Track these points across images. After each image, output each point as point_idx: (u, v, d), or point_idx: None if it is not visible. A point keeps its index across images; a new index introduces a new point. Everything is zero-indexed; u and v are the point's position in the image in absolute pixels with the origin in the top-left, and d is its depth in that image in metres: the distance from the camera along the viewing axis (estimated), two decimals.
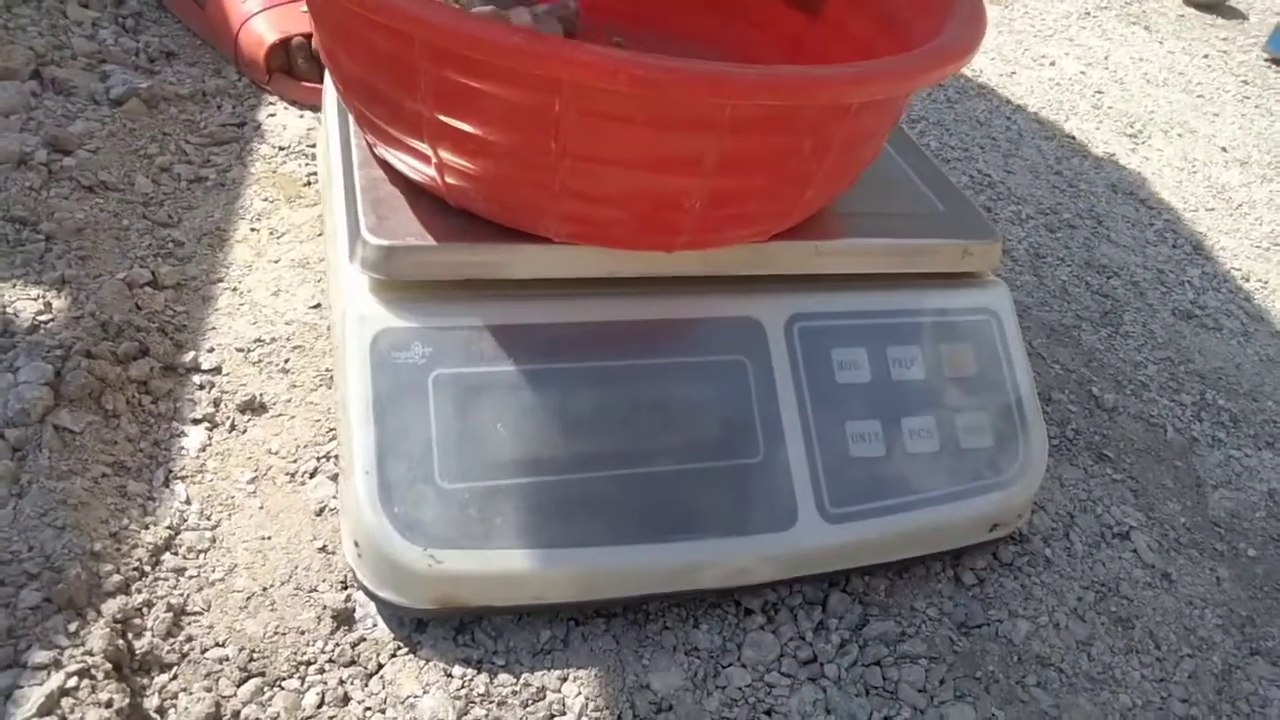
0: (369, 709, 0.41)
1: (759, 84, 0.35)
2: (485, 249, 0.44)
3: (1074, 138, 0.98)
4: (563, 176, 0.40)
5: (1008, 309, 0.53)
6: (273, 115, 0.74)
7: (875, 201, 0.52)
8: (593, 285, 0.47)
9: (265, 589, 0.44)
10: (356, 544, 0.42)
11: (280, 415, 0.52)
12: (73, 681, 0.36)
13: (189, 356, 0.53)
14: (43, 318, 0.51)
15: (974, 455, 0.50)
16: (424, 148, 0.41)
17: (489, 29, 0.34)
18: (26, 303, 0.51)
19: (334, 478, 0.49)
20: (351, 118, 0.47)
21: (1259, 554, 0.58)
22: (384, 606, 0.44)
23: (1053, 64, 1.12)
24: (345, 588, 0.45)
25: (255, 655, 0.42)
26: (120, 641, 0.39)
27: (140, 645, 0.40)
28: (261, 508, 0.47)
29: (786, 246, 0.49)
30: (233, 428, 0.51)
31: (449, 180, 0.42)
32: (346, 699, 0.41)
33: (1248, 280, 0.82)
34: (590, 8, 0.58)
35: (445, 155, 0.41)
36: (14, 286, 0.53)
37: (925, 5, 0.50)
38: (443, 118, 0.39)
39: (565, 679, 0.43)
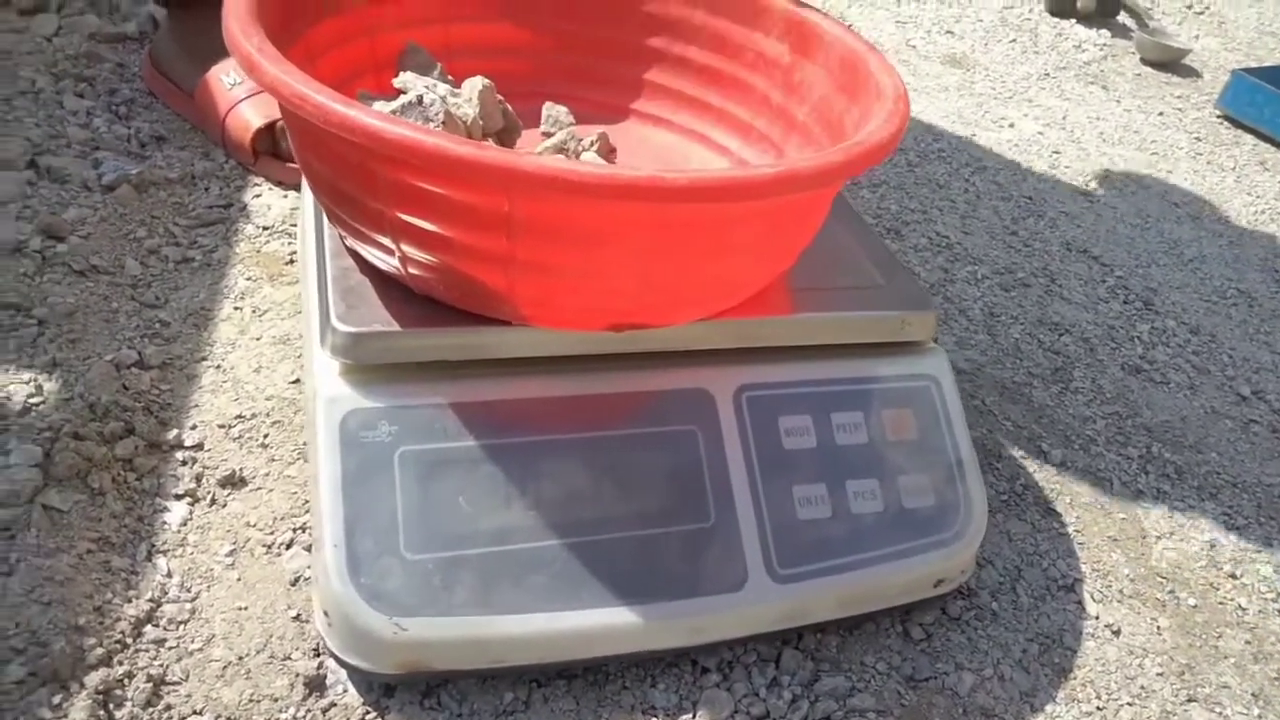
0: None
1: (687, 189, 0.39)
2: (448, 333, 0.47)
3: (1030, 198, 1.02)
4: (516, 268, 0.43)
5: (946, 374, 0.56)
6: (258, 195, 0.77)
7: (818, 276, 0.56)
8: (550, 363, 0.50)
9: (241, 658, 0.47)
10: (326, 614, 0.45)
11: (259, 489, 0.55)
12: None
13: (173, 434, 0.56)
14: (34, 400, 0.54)
15: (916, 515, 0.53)
16: (387, 242, 0.45)
17: (439, 143, 0.37)
18: (19, 386, 0.55)
19: (309, 548, 0.52)
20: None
21: (1199, 602, 0.60)
22: (353, 673, 0.46)
23: (1012, 125, 1.17)
24: (317, 655, 0.48)
25: None
26: (102, 713, 0.42)
27: (121, 715, 0.43)
28: (239, 579, 0.50)
29: (734, 323, 0.52)
30: (213, 502, 0.53)
31: (412, 271, 0.46)
32: None
33: (1196, 334, 0.86)
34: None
35: (407, 249, 0.44)
36: (6, 371, 0.56)
37: (856, 96, 0.54)
38: (403, 216, 0.43)
39: None
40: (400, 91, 0.55)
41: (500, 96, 0.58)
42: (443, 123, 0.51)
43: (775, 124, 0.61)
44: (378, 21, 0.59)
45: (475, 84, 0.56)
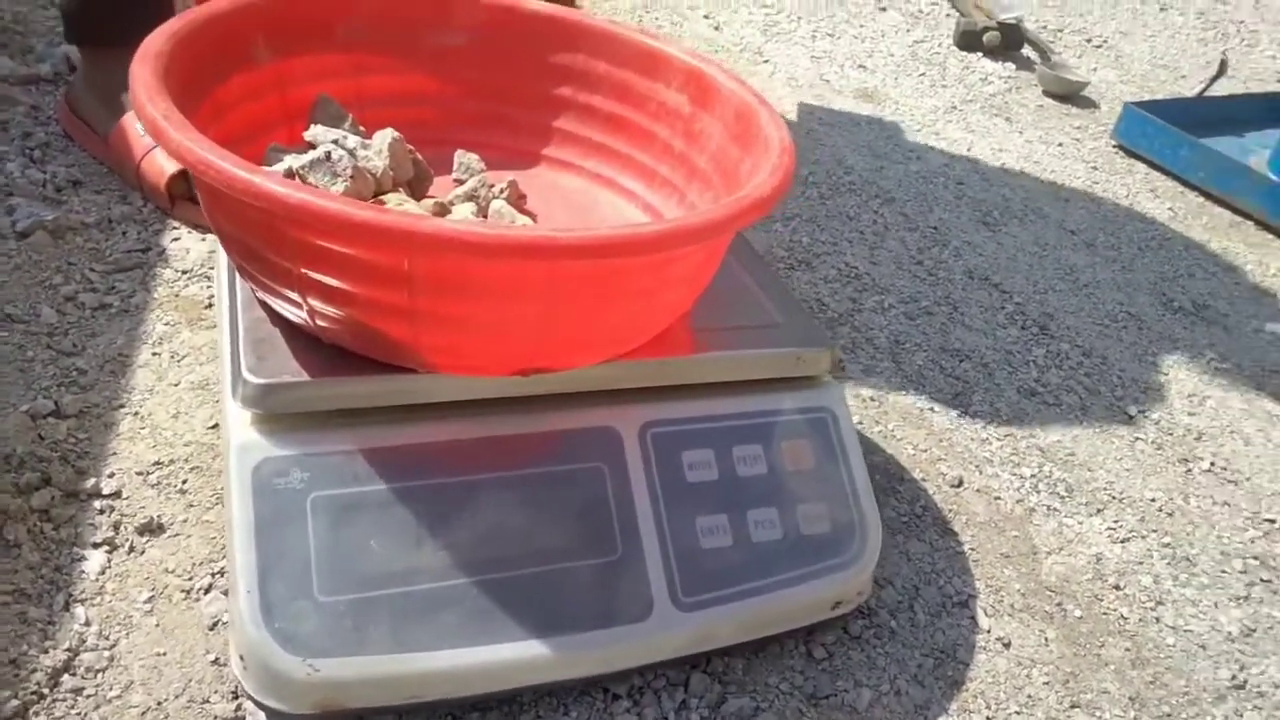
0: None
1: (578, 247, 0.41)
2: (356, 382, 0.49)
3: (936, 228, 1.07)
4: (420, 320, 0.45)
5: (841, 406, 0.60)
6: (176, 239, 0.78)
7: (718, 315, 0.59)
8: (458, 407, 0.52)
9: (160, 703, 0.48)
10: (242, 657, 0.46)
11: (177, 535, 0.56)
12: None
13: (90, 483, 0.56)
14: None
15: (814, 541, 0.56)
16: (295, 297, 0.46)
17: (340, 207, 0.39)
18: None
19: (226, 593, 0.53)
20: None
21: (1084, 613, 0.64)
22: (271, 714, 0.48)
23: (919, 157, 1.22)
24: (236, 697, 0.49)
25: None
26: None
27: None
28: (158, 625, 0.51)
29: (638, 364, 0.55)
30: (131, 549, 0.54)
31: (320, 323, 0.48)
32: None
33: (1088, 356, 0.91)
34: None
35: (314, 303, 0.46)
36: None
37: (749, 147, 0.57)
38: (309, 273, 0.44)
39: None
40: (311, 145, 0.57)
41: (411, 146, 0.60)
42: (351, 177, 0.53)
43: (678, 170, 0.64)
44: (289, 75, 0.61)
45: (385, 136, 0.58)
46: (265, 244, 0.45)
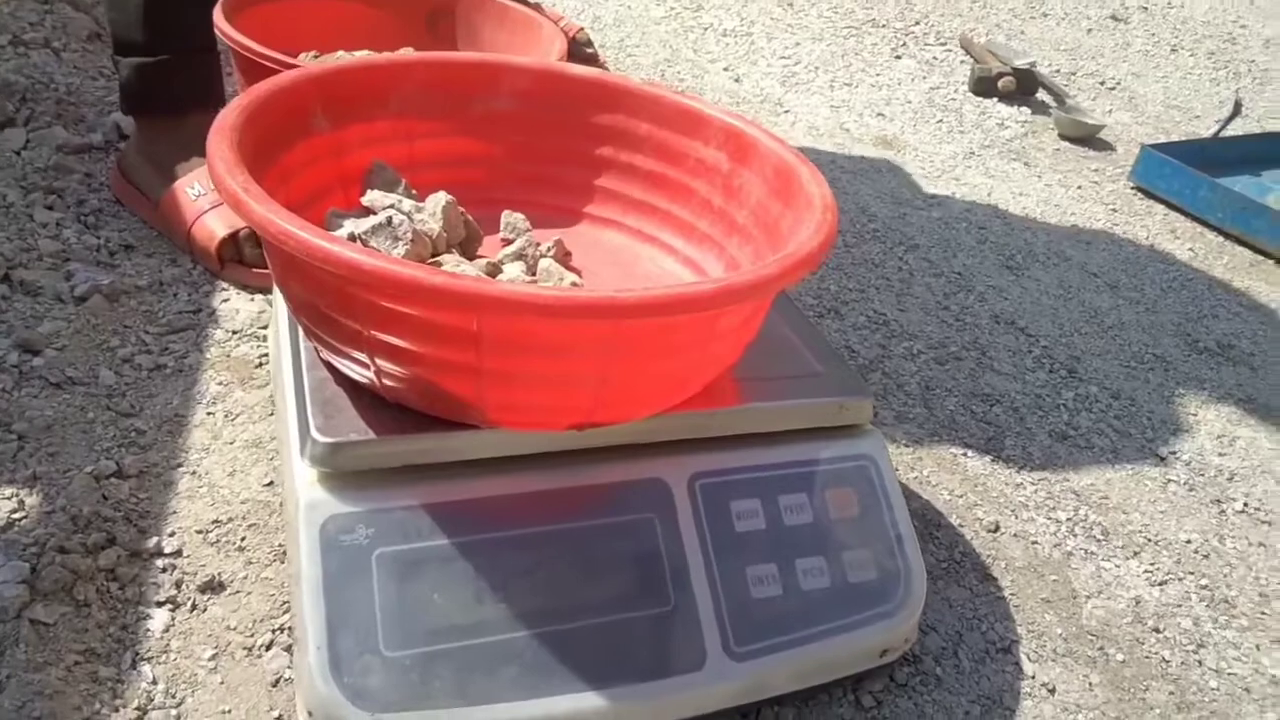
0: None
1: (638, 306, 0.43)
2: (420, 439, 0.51)
3: (960, 274, 1.08)
4: (484, 379, 0.47)
5: (883, 453, 0.61)
6: (226, 300, 0.81)
7: (761, 366, 0.60)
8: (516, 461, 0.53)
9: None
10: (310, 713, 0.47)
11: (238, 592, 0.57)
12: None
13: (152, 542, 0.58)
14: (17, 515, 0.56)
15: (861, 588, 0.57)
16: (363, 357, 0.48)
17: (414, 274, 0.41)
18: (1, 502, 0.57)
19: (288, 649, 0.54)
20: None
21: (1126, 657, 0.65)
22: None
23: (940, 204, 1.24)
24: None
25: None
26: None
27: None
28: (222, 682, 0.52)
29: (685, 416, 0.56)
30: (194, 607, 0.55)
31: (386, 382, 0.49)
32: None
33: (1117, 399, 0.92)
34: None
35: (382, 363, 0.48)
36: None
37: (789, 203, 0.59)
38: (378, 335, 0.46)
39: None
40: (367, 209, 0.59)
41: (461, 208, 0.62)
42: (411, 240, 0.55)
43: (717, 225, 0.66)
44: (345, 142, 0.64)
45: (439, 200, 0.61)
46: (335, 307, 0.47)
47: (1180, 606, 0.70)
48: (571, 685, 0.50)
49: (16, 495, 0.57)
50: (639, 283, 0.66)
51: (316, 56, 0.88)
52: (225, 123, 0.50)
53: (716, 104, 0.66)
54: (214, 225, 0.81)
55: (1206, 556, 0.75)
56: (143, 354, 0.72)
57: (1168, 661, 0.65)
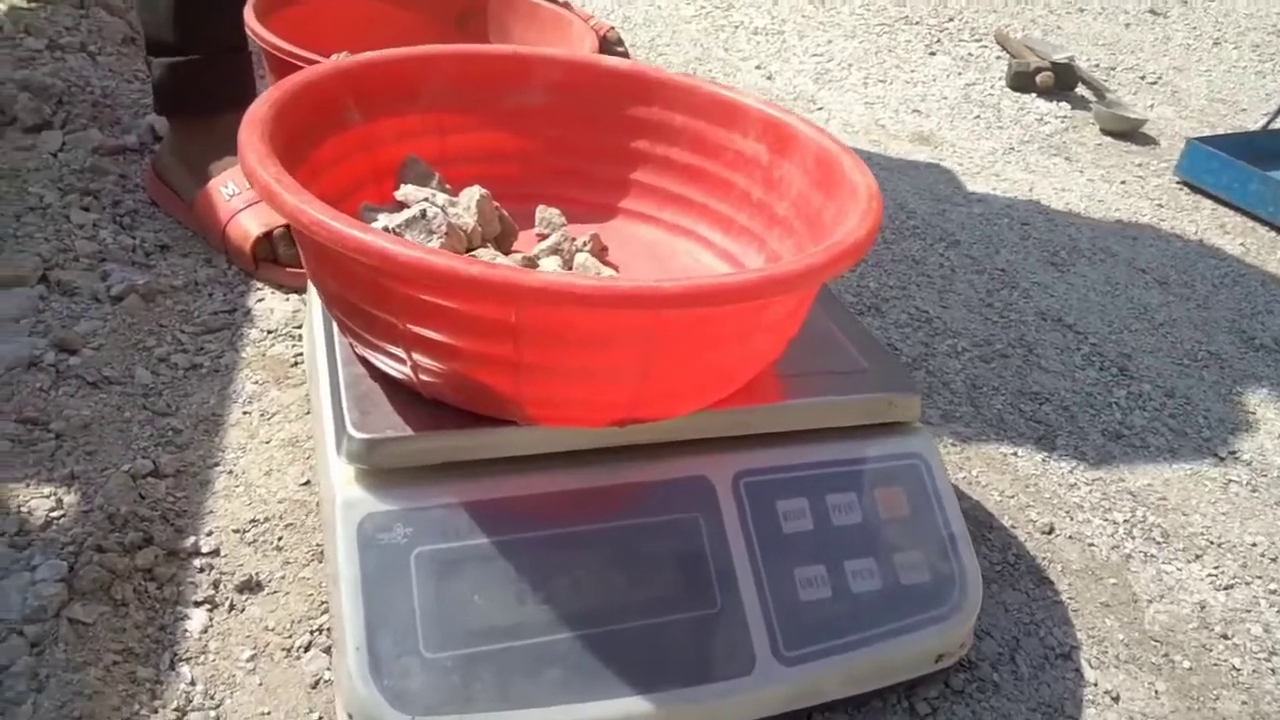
0: None
1: (681, 296, 0.41)
2: (458, 435, 0.49)
3: (1004, 270, 1.06)
4: (523, 373, 0.45)
5: (933, 452, 0.59)
6: (261, 300, 0.80)
7: (805, 362, 0.58)
8: (556, 459, 0.52)
9: None
10: (350, 716, 0.46)
11: (275, 592, 0.56)
12: None
13: (189, 541, 0.57)
14: (55, 514, 0.55)
15: (914, 591, 0.55)
16: (399, 352, 0.47)
17: (450, 264, 0.40)
18: (40, 501, 0.56)
19: (327, 650, 0.53)
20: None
21: (1193, 665, 0.62)
22: None
23: (981, 200, 1.22)
24: None
25: None
26: None
27: None
28: (261, 684, 0.51)
29: (729, 412, 0.54)
30: (232, 608, 0.55)
31: (423, 378, 0.48)
32: None
33: (1171, 397, 0.89)
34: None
35: (419, 358, 0.47)
36: (27, 485, 0.57)
37: (832, 194, 0.57)
38: (415, 328, 0.45)
39: None
40: (401, 203, 0.58)
41: (496, 203, 0.61)
42: (445, 234, 0.54)
43: (757, 218, 0.64)
44: (377, 136, 0.63)
45: (473, 194, 0.59)
46: (372, 301, 0.45)
47: (1249, 612, 0.67)
48: (616, 689, 0.48)
49: (54, 494, 0.57)
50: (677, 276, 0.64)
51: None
52: (256, 115, 0.49)
53: (753, 94, 0.65)
54: (248, 224, 0.81)
55: (1274, 560, 0.72)
56: (179, 353, 0.72)
57: (1238, 669, 0.62)
